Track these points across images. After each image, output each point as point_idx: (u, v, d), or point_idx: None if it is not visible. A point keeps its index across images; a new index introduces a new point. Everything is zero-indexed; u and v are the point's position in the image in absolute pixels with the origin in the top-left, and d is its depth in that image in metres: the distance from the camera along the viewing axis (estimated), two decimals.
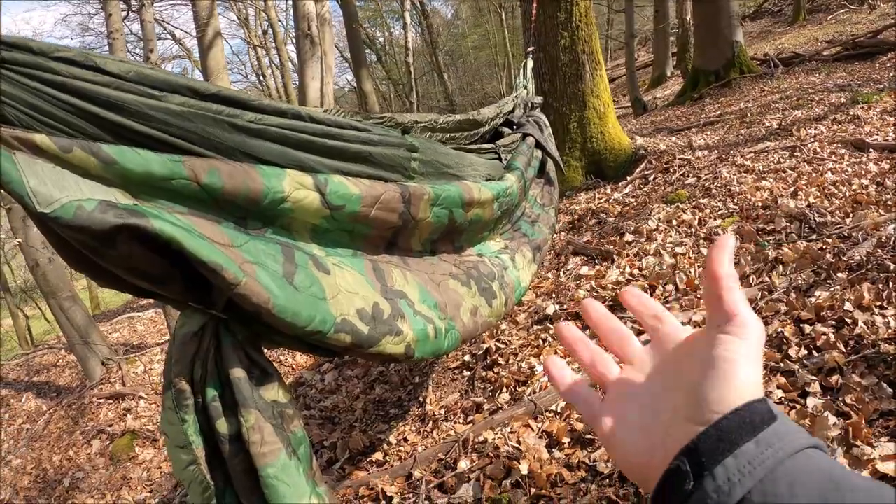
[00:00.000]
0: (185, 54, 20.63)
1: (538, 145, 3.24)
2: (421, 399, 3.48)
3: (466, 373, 3.49)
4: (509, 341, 3.50)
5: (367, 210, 1.54)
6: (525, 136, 3.16)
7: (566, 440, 2.56)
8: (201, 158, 1.22)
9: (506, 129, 3.20)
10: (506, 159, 2.81)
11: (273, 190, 1.30)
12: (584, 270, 4.03)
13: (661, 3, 14.80)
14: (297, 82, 8.44)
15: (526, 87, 4.24)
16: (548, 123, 3.69)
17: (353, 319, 1.37)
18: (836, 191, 3.80)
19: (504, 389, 3.11)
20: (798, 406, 2.15)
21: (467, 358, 3.58)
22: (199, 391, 1.30)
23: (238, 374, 1.26)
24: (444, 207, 1.87)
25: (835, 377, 2.24)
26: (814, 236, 3.29)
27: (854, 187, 3.78)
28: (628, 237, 4.23)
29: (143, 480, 4.97)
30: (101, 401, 6.54)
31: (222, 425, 1.28)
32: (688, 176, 5.10)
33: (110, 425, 6.01)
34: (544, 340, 3.39)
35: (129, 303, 14.60)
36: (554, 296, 3.85)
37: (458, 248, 2.20)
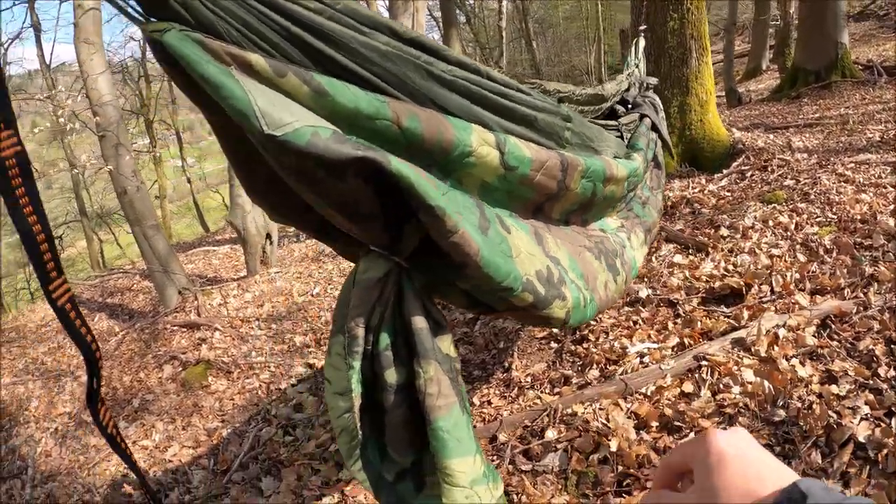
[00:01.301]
0: None
1: (653, 127, 3.19)
2: (506, 364, 3.52)
3: (554, 344, 3.51)
4: (600, 319, 3.50)
5: (534, 174, 1.54)
6: (642, 116, 3.12)
7: (654, 424, 2.57)
8: (401, 102, 1.20)
9: (620, 108, 3.16)
10: (626, 138, 2.79)
11: (463, 143, 1.28)
12: (678, 259, 3.98)
13: None
14: None
15: (637, 66, 4.16)
16: (661, 106, 3.63)
17: (534, 280, 1.38)
18: None
19: (594, 366, 3.12)
20: (882, 425, 2.16)
21: (555, 330, 3.59)
22: (372, 338, 1.29)
23: (420, 323, 1.25)
24: (591, 181, 1.86)
25: None
26: None
27: None
28: (723, 231, 4.15)
29: (215, 410, 5.10)
30: (175, 328, 6.74)
31: (391, 375, 1.27)
32: (786, 177, 4.95)
33: (183, 353, 6.16)
34: (635, 322, 3.38)
35: (204, 237, 14.99)
36: (646, 280, 3.83)
37: (584, 222, 2.19)
